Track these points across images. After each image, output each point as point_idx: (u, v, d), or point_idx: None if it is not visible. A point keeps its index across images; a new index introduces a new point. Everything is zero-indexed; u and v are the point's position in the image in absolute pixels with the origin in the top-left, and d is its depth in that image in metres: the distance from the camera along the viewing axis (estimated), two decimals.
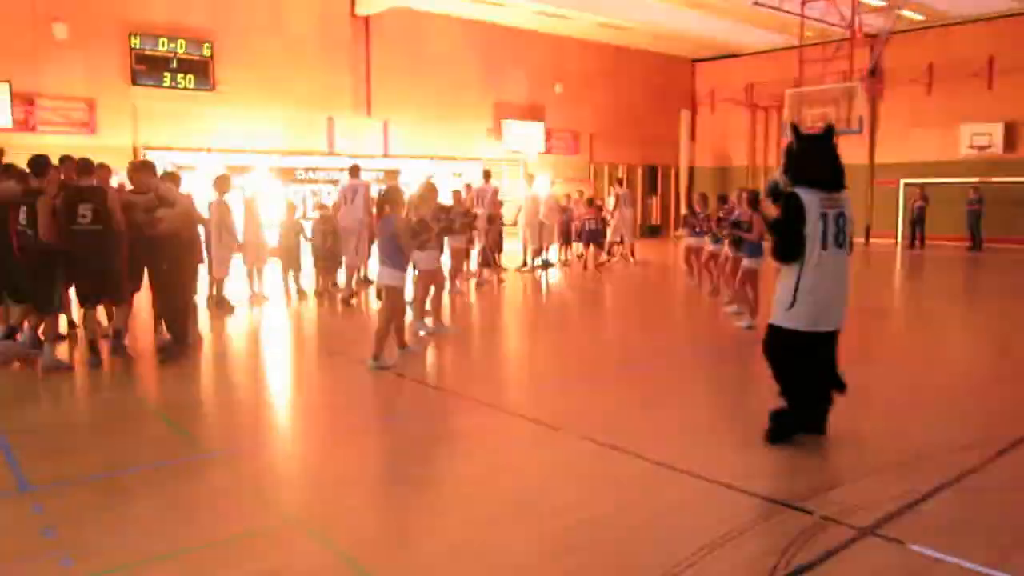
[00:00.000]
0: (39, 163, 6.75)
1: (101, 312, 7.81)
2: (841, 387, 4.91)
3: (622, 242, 17.07)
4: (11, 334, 7.14)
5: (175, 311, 7.29)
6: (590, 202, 16.13)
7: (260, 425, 5.38)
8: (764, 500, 3.97)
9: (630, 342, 8.70)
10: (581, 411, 5.70)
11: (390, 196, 6.88)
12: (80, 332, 7.69)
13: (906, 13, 20.32)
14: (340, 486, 4.13)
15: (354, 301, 10.82)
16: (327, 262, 11.60)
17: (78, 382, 6.48)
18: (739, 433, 5.06)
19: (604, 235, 15.85)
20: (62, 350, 7.27)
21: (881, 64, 22.08)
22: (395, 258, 6.57)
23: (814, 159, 4.78)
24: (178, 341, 7.23)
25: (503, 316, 10.83)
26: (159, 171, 8.06)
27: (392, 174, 16.52)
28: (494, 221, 13.72)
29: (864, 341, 7.92)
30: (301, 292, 11.50)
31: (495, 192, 14.43)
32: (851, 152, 23.57)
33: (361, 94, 20.20)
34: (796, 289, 4.68)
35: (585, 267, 15.55)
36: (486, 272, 13.47)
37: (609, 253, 16.44)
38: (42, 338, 6.89)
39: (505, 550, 3.42)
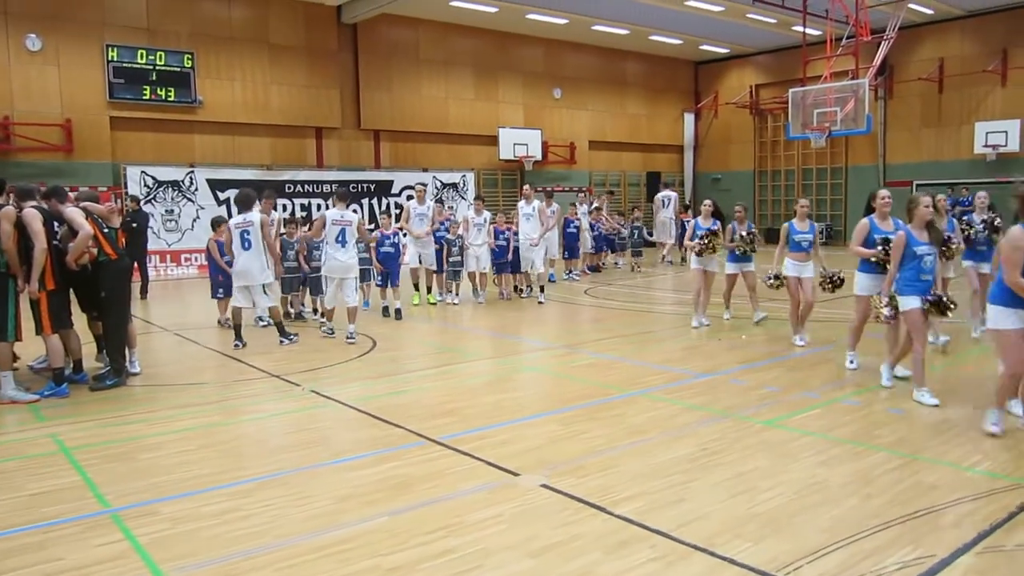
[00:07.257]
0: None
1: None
2: None
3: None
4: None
5: (108, 338, 6.82)
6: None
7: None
8: None
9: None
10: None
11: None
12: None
13: (914, 7, 19.59)
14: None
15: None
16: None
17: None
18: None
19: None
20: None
21: (889, 61, 21.27)
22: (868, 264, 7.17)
23: None
24: (116, 371, 6.73)
25: None
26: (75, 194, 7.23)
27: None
28: None
29: None
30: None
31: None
32: (861, 153, 22.88)
33: (350, 104, 19.62)
34: None
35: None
36: None
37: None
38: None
39: None
